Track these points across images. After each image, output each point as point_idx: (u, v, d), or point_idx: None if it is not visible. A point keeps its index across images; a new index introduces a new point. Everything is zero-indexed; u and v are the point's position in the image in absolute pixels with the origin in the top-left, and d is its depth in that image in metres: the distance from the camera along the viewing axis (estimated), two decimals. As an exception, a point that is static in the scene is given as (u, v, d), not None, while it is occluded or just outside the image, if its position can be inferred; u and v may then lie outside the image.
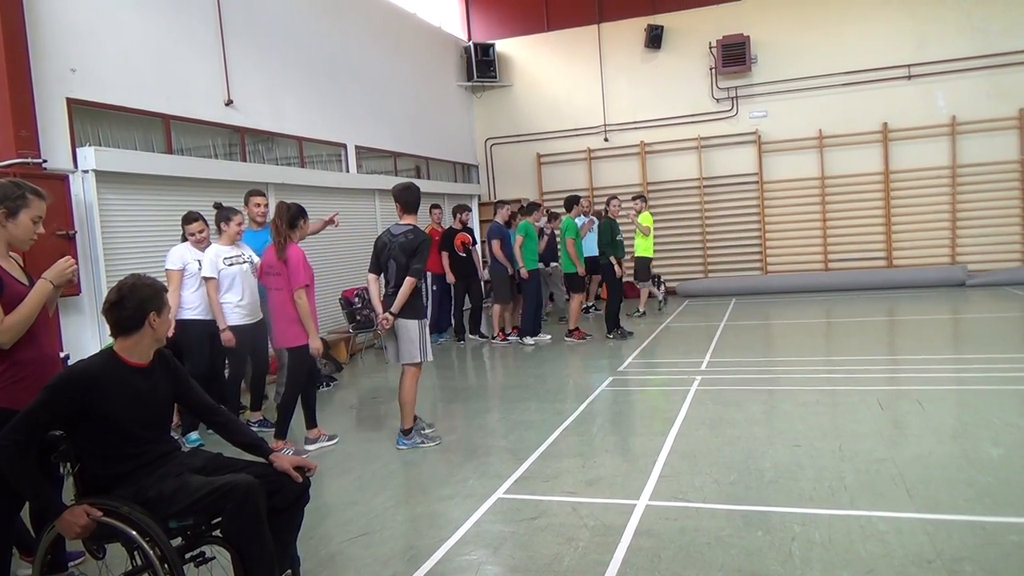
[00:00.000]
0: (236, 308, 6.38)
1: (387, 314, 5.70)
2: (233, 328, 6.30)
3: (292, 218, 5.77)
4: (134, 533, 2.78)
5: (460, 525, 4.19)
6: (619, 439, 5.73)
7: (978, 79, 13.31)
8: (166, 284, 6.39)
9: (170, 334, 6.15)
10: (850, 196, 14.25)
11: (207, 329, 6.43)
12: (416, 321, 5.73)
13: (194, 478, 2.93)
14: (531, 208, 10.84)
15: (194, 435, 6.36)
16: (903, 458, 4.76)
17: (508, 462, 5.29)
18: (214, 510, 2.91)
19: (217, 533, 3.02)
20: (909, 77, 13.67)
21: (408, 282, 5.65)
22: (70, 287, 3.47)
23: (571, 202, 10.83)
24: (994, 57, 13.17)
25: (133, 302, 2.97)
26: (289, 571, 3.22)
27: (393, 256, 5.77)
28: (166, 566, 2.76)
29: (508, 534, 4.03)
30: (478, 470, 5.23)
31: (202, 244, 6.53)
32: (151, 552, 2.76)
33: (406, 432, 5.83)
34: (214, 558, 3.10)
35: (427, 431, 5.96)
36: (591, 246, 11.43)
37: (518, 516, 4.27)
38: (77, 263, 3.62)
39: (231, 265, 6.35)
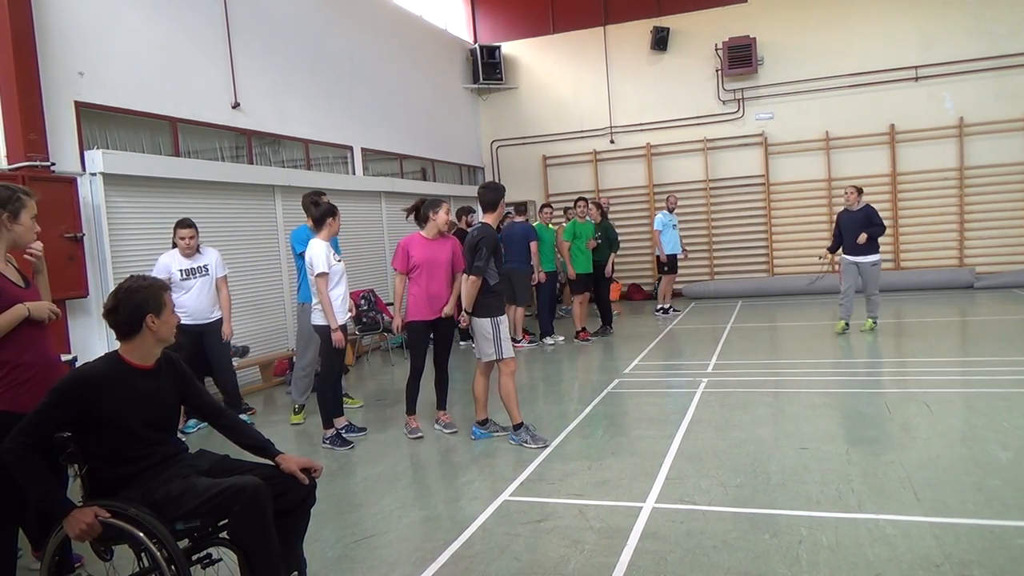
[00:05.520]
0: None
1: (463, 313, 5.76)
2: (324, 327, 6.10)
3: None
4: (141, 535, 2.79)
5: (466, 527, 4.19)
6: (625, 441, 5.71)
7: (986, 81, 13.27)
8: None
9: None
10: (857, 198, 14.19)
11: (194, 333, 6.58)
12: (488, 319, 5.71)
13: (201, 480, 2.94)
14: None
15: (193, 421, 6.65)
16: (911, 461, 4.74)
17: (514, 464, 5.28)
18: (221, 512, 2.91)
19: (224, 535, 3.03)
20: (916, 79, 13.63)
21: (468, 281, 5.68)
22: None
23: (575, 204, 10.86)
24: (1002, 59, 13.12)
25: (128, 306, 2.98)
26: (295, 573, 3.22)
27: (466, 254, 5.83)
28: (173, 568, 2.76)
29: (514, 537, 4.03)
30: (484, 472, 5.23)
31: (189, 251, 6.65)
32: (158, 554, 2.77)
33: (515, 427, 5.76)
34: (221, 560, 3.11)
35: (535, 431, 5.80)
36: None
37: (524, 518, 4.27)
38: (63, 311, 3.71)
39: (339, 261, 6.22)
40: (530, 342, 10.60)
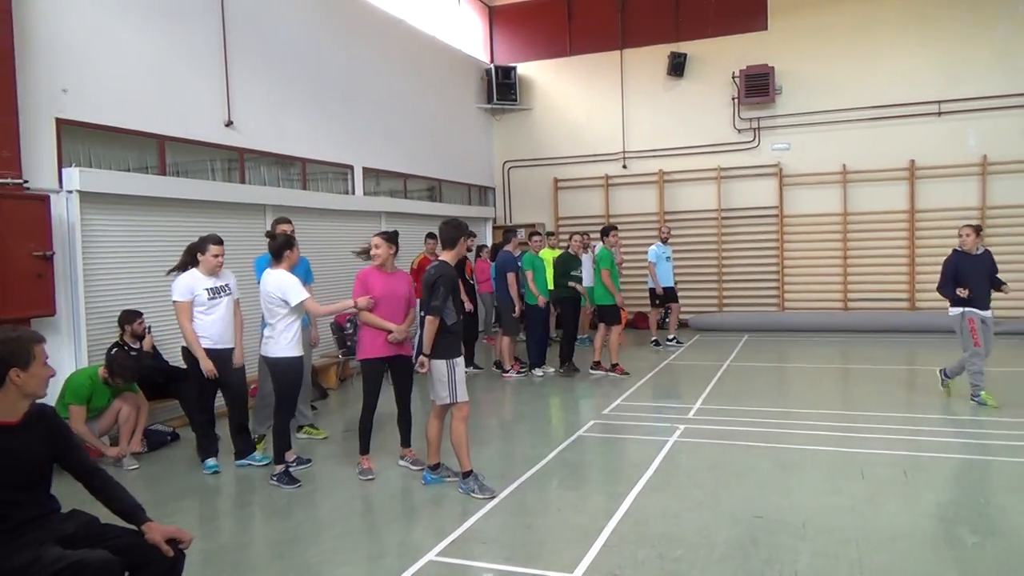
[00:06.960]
0: None
1: (421, 356, 5.52)
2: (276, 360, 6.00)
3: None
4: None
5: (380, 591, 3.98)
6: (577, 496, 5.45)
7: (1011, 118, 12.76)
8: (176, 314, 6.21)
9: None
10: (873, 234, 13.75)
11: (219, 359, 6.23)
12: (443, 361, 5.48)
13: (51, 551, 2.78)
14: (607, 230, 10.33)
15: (212, 461, 6.33)
16: (870, 541, 4.41)
17: (458, 515, 5.06)
18: (65, 589, 2.74)
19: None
20: (939, 114, 13.16)
21: (427, 321, 5.44)
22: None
23: (607, 231, 10.33)
24: (1030, 96, 12.62)
25: None
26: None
27: (423, 293, 5.60)
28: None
29: (423, 607, 3.81)
30: (424, 522, 5.04)
31: (219, 269, 6.21)
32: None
33: (464, 475, 5.49)
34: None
35: (484, 481, 5.51)
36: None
37: (441, 585, 4.05)
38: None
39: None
40: (519, 371, 10.37)
